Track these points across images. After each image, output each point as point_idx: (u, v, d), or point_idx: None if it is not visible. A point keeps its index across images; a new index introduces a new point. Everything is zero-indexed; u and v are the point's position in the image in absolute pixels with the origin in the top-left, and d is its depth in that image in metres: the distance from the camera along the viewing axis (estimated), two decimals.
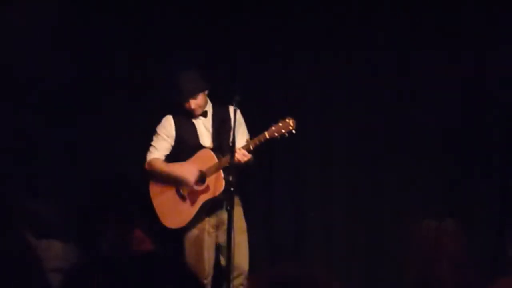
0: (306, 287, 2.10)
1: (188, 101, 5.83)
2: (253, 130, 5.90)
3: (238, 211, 5.85)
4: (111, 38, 6.67)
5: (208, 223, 5.82)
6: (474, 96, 6.51)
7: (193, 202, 5.82)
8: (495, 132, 6.50)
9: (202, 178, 5.76)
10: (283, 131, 5.62)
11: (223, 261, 5.78)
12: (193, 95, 5.82)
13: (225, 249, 5.64)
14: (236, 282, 5.77)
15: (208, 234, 5.81)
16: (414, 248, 3.53)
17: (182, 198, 5.86)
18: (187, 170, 5.80)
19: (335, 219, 6.69)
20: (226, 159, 5.67)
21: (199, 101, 5.85)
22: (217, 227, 5.85)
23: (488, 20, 6.43)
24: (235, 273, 5.74)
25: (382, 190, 6.67)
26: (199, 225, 5.81)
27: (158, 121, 6.05)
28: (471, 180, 6.52)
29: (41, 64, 6.54)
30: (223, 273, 5.73)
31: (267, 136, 5.63)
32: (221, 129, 5.89)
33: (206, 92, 5.90)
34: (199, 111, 5.88)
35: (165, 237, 5.95)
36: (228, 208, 5.43)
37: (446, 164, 6.58)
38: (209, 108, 5.96)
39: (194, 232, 5.83)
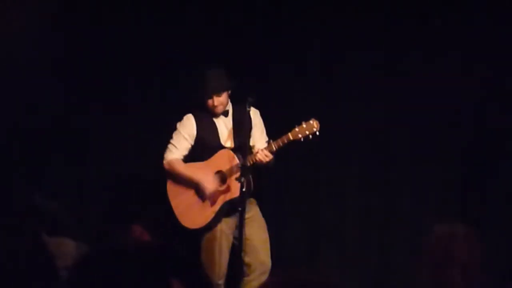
0: None
1: (212, 98, 5.79)
2: (271, 132, 5.89)
3: (256, 210, 5.88)
4: (125, 38, 6.69)
5: (226, 224, 5.80)
6: (489, 99, 6.50)
7: (213, 203, 5.80)
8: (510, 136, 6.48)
9: (223, 178, 5.73)
10: (307, 132, 5.55)
11: (246, 259, 5.79)
12: (218, 92, 5.79)
13: (248, 247, 5.72)
14: (260, 279, 5.76)
15: (224, 235, 5.79)
16: (426, 253, 3.51)
17: (202, 198, 5.83)
18: (207, 180, 5.78)
19: (347, 223, 6.69)
20: (247, 160, 5.63)
21: (222, 99, 5.82)
22: (236, 227, 5.82)
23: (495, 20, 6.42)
24: (259, 271, 5.75)
25: (395, 195, 6.66)
26: (217, 226, 5.79)
27: (165, 119, 6.05)
28: (487, 185, 6.50)
29: (50, 65, 6.57)
30: (242, 272, 5.77)
31: (291, 138, 5.58)
32: (241, 129, 5.85)
33: (229, 92, 5.88)
34: (220, 109, 5.84)
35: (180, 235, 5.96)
36: (240, 209, 5.44)
37: (462, 169, 6.56)
38: (229, 108, 5.93)
39: (211, 233, 5.82)
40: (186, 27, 6.77)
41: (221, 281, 5.81)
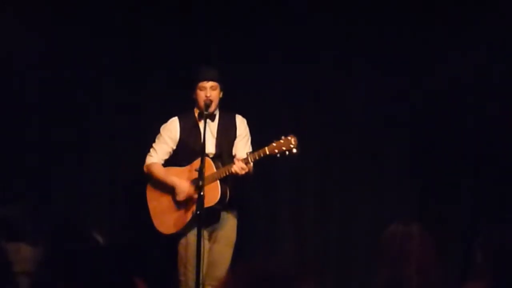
0: (283, 283, 2.08)
1: (205, 89, 5.74)
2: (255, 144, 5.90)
3: (232, 224, 5.89)
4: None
5: (204, 232, 5.68)
6: (449, 100, 6.58)
7: (187, 210, 5.78)
8: (468, 137, 6.56)
9: (198, 186, 5.59)
10: (284, 148, 5.52)
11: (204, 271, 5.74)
12: (213, 79, 5.75)
13: (208, 260, 5.73)
14: None
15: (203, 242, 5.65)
16: (382, 252, 3.56)
17: (177, 204, 5.83)
18: (181, 186, 5.77)
19: (306, 220, 6.73)
20: (224, 170, 5.63)
21: (215, 94, 5.78)
22: (210, 237, 5.84)
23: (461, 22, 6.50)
24: (211, 286, 5.76)
25: (354, 195, 6.71)
26: (191, 233, 5.74)
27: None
28: (443, 185, 6.58)
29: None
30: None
31: (267, 152, 5.54)
32: (225, 136, 5.87)
33: (221, 94, 5.84)
34: (211, 105, 5.76)
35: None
36: (199, 226, 5.44)
37: (419, 169, 6.63)
38: (217, 113, 5.90)
39: (188, 238, 5.79)
40: (171, 40, 6.74)
41: None
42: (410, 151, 6.67)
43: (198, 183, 5.48)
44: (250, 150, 5.80)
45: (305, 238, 6.74)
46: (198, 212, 5.43)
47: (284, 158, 5.55)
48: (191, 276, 5.70)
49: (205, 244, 5.73)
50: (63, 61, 6.65)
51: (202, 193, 5.43)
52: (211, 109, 5.78)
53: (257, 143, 5.82)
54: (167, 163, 5.97)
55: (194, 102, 5.89)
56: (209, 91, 5.76)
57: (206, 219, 5.61)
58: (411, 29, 6.63)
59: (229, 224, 5.87)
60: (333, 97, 6.75)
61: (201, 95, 5.78)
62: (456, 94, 6.57)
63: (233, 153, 5.87)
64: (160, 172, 5.89)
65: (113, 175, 6.78)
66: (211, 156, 5.78)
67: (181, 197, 5.78)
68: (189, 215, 5.77)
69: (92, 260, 2.85)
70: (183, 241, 5.83)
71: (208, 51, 6.63)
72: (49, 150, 6.67)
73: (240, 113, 6.00)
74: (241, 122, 5.93)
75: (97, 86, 6.71)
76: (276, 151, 5.52)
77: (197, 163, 5.62)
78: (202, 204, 5.44)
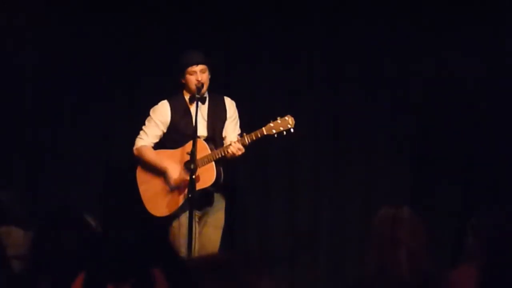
0: (242, 274, 2.12)
1: (195, 73, 5.73)
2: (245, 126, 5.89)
3: (220, 206, 5.88)
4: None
5: (196, 215, 5.71)
6: (442, 88, 6.59)
7: (180, 192, 5.78)
8: (457, 125, 6.57)
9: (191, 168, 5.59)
10: (282, 128, 5.56)
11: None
12: (201, 62, 5.74)
13: (197, 243, 5.69)
14: None
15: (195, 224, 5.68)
16: (372, 236, 3.58)
17: (169, 186, 5.80)
18: (173, 168, 5.75)
19: (298, 203, 6.73)
20: (219, 151, 5.63)
21: (206, 77, 5.77)
22: (200, 220, 5.82)
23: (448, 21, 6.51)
24: None
25: (347, 178, 6.73)
26: (183, 215, 5.72)
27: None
28: (434, 169, 6.60)
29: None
30: None
31: (264, 133, 5.56)
32: (216, 118, 5.86)
33: (209, 75, 5.82)
34: (202, 88, 5.75)
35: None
36: (191, 209, 5.43)
37: (410, 153, 6.65)
38: (206, 95, 5.88)
39: (180, 221, 5.77)
40: (158, 28, 6.72)
41: None
42: (403, 136, 6.66)
43: (191, 166, 5.48)
44: (239, 132, 5.80)
45: (296, 221, 6.74)
46: (190, 196, 5.43)
47: (281, 136, 5.57)
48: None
49: (196, 227, 5.73)
50: (58, 51, 6.63)
51: (193, 176, 5.42)
52: (203, 91, 5.78)
53: (248, 125, 5.81)
54: (158, 145, 5.93)
55: (182, 87, 5.87)
56: (199, 75, 5.75)
57: (200, 201, 5.65)
58: (407, 16, 6.63)
59: (218, 207, 5.86)
60: (327, 78, 6.73)
61: (192, 80, 5.77)
62: (450, 84, 6.56)
63: (223, 135, 5.86)
64: (152, 155, 5.85)
65: (105, 159, 6.76)
66: (203, 138, 5.77)
67: (172, 183, 5.75)
68: (182, 198, 5.75)
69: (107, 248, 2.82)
70: (175, 223, 5.81)
71: (198, 36, 6.60)
72: (42, 135, 6.67)
73: (229, 96, 6.00)
74: (230, 104, 5.93)
75: (90, 77, 6.70)
76: (274, 131, 5.56)
77: (189, 145, 5.62)
78: (193, 187, 5.43)
